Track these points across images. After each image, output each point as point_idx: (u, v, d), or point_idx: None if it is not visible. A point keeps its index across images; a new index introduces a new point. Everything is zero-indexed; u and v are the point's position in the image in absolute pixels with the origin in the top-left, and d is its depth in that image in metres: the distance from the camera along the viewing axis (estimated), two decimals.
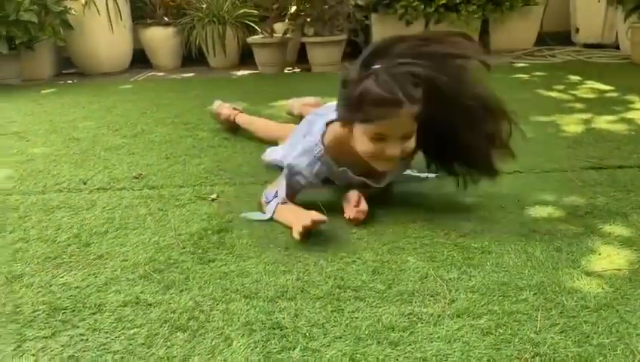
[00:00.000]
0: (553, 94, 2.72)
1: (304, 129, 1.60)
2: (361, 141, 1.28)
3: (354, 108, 1.25)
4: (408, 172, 1.55)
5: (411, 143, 1.28)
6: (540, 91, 2.79)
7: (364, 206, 1.35)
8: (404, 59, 1.21)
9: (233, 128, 2.18)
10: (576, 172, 1.62)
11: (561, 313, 0.94)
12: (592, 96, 2.64)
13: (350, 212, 1.34)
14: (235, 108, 2.19)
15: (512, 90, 2.83)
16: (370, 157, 1.29)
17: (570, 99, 2.60)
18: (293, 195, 1.40)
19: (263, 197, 1.43)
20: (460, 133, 1.28)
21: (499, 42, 4.27)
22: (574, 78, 3.12)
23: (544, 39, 4.44)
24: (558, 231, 1.25)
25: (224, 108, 2.20)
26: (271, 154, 1.74)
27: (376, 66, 1.23)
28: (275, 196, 1.38)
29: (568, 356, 0.84)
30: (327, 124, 1.41)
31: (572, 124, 2.12)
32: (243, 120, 2.14)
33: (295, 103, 2.24)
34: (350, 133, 1.31)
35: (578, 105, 2.45)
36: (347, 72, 1.28)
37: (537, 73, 3.36)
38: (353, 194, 1.39)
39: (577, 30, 4.33)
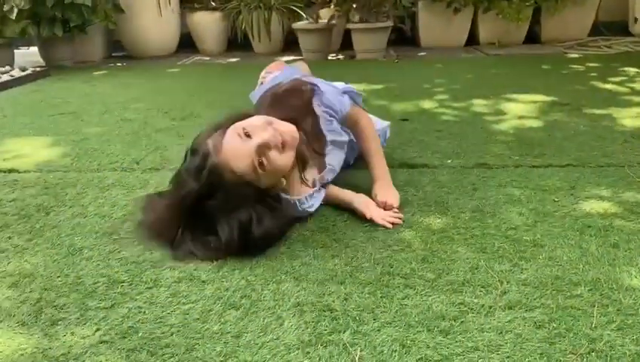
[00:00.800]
0: (609, 86, 2.61)
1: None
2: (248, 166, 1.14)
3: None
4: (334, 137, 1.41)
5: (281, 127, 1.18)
6: (594, 83, 2.69)
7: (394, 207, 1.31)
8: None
9: None
10: (634, 167, 1.56)
11: (618, 310, 0.92)
12: None
13: (383, 215, 1.28)
14: None
15: (565, 82, 2.75)
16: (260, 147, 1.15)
17: (626, 91, 2.50)
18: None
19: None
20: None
21: (551, 32, 4.14)
22: (631, 70, 2.99)
23: (599, 29, 4.27)
24: (614, 227, 1.21)
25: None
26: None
27: None
28: None
29: (626, 354, 0.82)
30: None
31: (629, 118, 2.04)
32: None
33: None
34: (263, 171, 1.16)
35: (635, 99, 2.35)
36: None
37: (592, 64, 3.24)
38: (367, 200, 1.32)
39: (636, 20, 4.14)
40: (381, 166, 1.41)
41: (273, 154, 1.15)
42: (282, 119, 1.21)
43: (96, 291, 1.03)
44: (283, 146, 1.16)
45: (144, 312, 0.96)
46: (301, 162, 1.27)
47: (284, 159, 1.17)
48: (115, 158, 1.80)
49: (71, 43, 3.98)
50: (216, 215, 1.13)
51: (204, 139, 1.18)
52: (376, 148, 1.44)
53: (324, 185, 1.36)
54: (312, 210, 1.30)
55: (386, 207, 1.31)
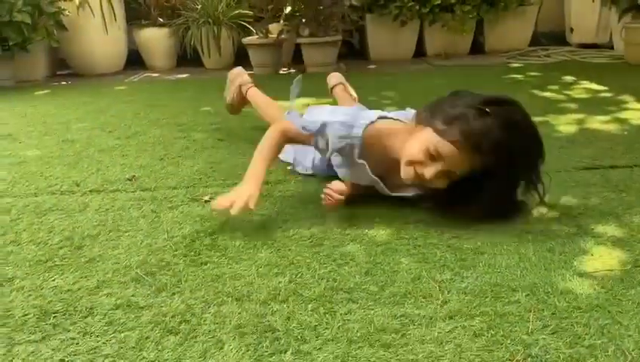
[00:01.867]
0: (547, 94, 2.73)
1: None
2: (414, 145, 1.27)
3: (446, 120, 1.25)
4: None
5: (448, 181, 1.28)
6: (534, 91, 2.80)
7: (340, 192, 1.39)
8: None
9: (236, 106, 2.16)
10: (570, 172, 1.62)
11: (553, 314, 0.94)
12: (585, 96, 2.65)
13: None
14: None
15: (507, 91, 2.83)
16: (407, 161, 1.28)
17: (564, 99, 2.61)
18: (297, 138, 1.45)
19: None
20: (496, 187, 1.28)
21: (494, 43, 4.29)
22: (568, 78, 3.13)
23: (539, 39, 4.46)
24: (551, 231, 1.25)
25: (245, 75, 2.14)
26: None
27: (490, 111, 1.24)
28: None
29: (560, 357, 0.84)
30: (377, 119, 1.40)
31: (566, 124, 2.13)
32: (253, 92, 2.09)
33: (332, 78, 2.19)
34: (403, 134, 1.32)
35: (572, 106, 2.46)
36: (468, 94, 1.32)
37: (532, 73, 3.37)
38: (338, 183, 1.40)
39: (572, 30, 4.35)
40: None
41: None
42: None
43: (26, 323, 0.98)
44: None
45: (77, 343, 0.92)
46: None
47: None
48: (54, 181, 1.73)
49: (11, 62, 3.83)
50: None
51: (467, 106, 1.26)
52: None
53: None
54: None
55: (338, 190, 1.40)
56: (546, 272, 1.08)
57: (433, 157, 1.25)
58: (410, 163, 1.28)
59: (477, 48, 4.32)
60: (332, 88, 2.14)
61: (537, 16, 4.34)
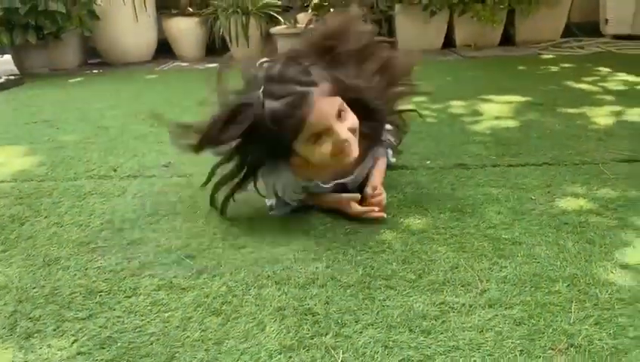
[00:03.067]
0: (582, 86, 2.67)
1: None
2: (310, 153, 1.16)
3: (275, 141, 1.15)
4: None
5: (351, 119, 1.17)
6: (568, 83, 2.74)
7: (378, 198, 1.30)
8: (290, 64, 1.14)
9: None
10: (608, 165, 1.59)
11: (595, 305, 0.94)
12: (622, 88, 2.59)
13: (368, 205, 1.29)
14: None
15: (540, 82, 2.80)
16: (331, 160, 1.17)
17: (599, 91, 2.55)
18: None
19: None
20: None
21: (525, 33, 4.20)
22: (604, 69, 3.05)
23: (572, 30, 4.35)
24: (590, 223, 1.24)
25: None
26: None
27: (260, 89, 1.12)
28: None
29: (604, 348, 0.83)
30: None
31: (602, 117, 2.08)
32: None
33: None
34: (300, 159, 1.21)
35: (608, 98, 2.40)
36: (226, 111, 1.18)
37: (565, 65, 3.30)
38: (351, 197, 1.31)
39: (606, 21, 4.24)
40: (378, 175, 1.40)
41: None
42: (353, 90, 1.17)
43: (73, 302, 1.01)
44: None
45: (123, 322, 0.95)
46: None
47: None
48: (91, 166, 1.78)
49: (45, 50, 3.92)
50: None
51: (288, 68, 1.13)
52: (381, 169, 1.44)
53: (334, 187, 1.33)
54: (299, 198, 1.32)
55: (374, 194, 1.29)
56: (587, 264, 1.07)
57: (320, 135, 1.14)
58: (333, 155, 1.16)
59: (507, 39, 4.24)
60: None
61: (570, 6, 4.24)
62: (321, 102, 1.11)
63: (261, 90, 1.12)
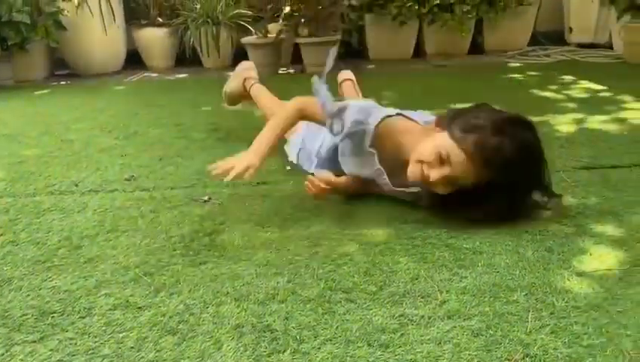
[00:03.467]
0: (547, 94, 2.72)
1: None
2: (427, 145, 1.28)
3: (463, 128, 1.26)
4: None
5: (450, 189, 1.28)
6: (533, 91, 2.79)
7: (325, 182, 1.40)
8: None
9: (234, 98, 2.15)
10: (569, 172, 1.62)
11: (551, 314, 0.94)
12: (585, 95, 2.65)
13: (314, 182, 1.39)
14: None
15: (506, 90, 2.85)
16: (416, 159, 1.29)
17: (563, 98, 2.61)
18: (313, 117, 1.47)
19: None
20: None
21: (493, 42, 4.28)
22: (568, 77, 3.12)
23: (538, 39, 4.45)
24: (549, 231, 1.25)
25: (253, 71, 2.15)
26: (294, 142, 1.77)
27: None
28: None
29: (558, 357, 0.84)
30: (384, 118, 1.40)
31: (565, 124, 2.13)
32: (257, 89, 2.09)
33: (343, 74, 2.23)
34: (418, 134, 1.33)
35: (571, 105, 2.45)
36: (492, 109, 1.34)
37: (531, 73, 3.37)
38: (325, 173, 1.43)
39: (571, 30, 4.35)
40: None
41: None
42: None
43: (24, 324, 0.98)
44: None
45: (75, 344, 0.92)
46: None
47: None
48: (52, 181, 1.73)
49: (9, 62, 3.83)
50: None
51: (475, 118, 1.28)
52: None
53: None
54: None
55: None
56: (545, 272, 1.08)
57: (443, 161, 1.25)
58: (420, 162, 1.28)
59: (476, 48, 4.31)
60: (341, 83, 2.16)
61: (536, 16, 4.33)
62: (474, 172, 1.25)
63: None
